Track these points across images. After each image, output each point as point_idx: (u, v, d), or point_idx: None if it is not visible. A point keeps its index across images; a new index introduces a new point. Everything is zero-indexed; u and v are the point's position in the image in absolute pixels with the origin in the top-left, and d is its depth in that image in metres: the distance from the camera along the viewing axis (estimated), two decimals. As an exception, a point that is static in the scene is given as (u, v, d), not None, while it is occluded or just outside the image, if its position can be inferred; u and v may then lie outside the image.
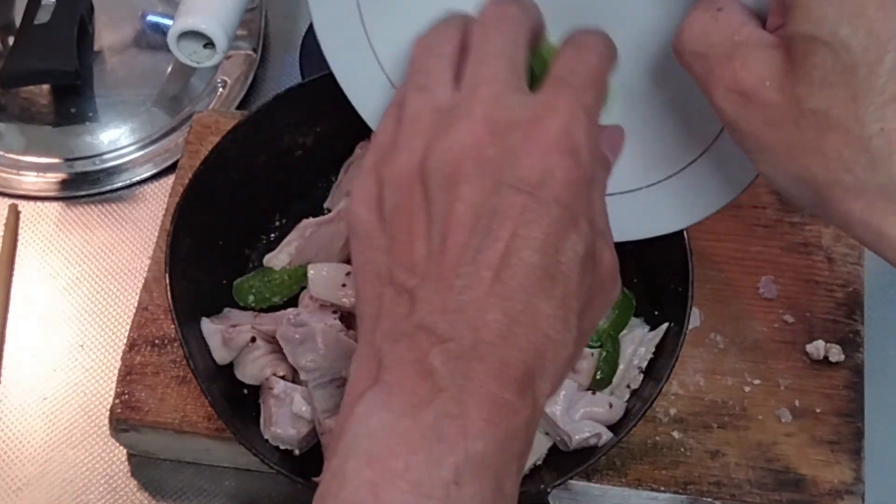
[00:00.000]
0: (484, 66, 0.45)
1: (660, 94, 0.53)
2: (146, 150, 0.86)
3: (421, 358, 0.42)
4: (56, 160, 0.86)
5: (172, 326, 0.66)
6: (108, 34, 0.92)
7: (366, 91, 0.55)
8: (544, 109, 0.44)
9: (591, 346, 0.67)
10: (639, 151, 0.54)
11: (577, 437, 0.63)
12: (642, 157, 0.55)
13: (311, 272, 0.67)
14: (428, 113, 0.45)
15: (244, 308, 0.70)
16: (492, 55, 0.46)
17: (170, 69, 0.90)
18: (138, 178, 0.85)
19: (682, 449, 0.68)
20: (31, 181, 0.85)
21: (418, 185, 0.44)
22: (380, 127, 0.47)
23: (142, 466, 0.73)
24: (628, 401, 0.66)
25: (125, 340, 0.72)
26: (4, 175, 0.85)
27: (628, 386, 0.67)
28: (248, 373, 0.67)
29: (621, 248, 0.70)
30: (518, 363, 0.42)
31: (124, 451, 0.73)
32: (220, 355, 0.66)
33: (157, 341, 0.72)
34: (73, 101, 0.88)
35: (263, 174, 0.73)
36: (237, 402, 0.66)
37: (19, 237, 0.83)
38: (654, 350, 0.67)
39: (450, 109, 0.45)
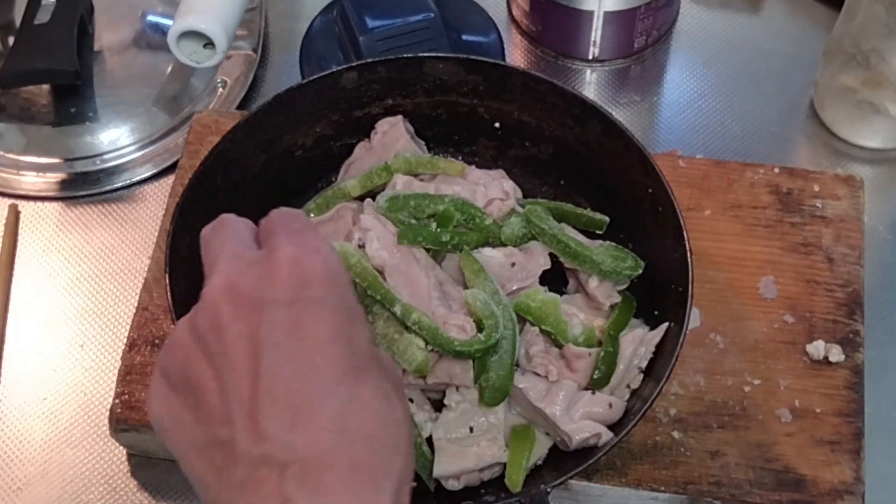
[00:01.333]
0: (209, 254, 0.48)
1: None
2: (146, 150, 0.86)
3: (273, 493, 0.41)
4: (56, 160, 0.86)
5: (172, 326, 0.66)
6: (108, 34, 0.92)
7: None
8: (273, 247, 0.46)
9: (589, 346, 0.67)
10: None
11: (577, 437, 0.63)
12: None
13: (310, 272, 0.67)
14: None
15: (244, 308, 0.70)
16: (217, 246, 0.48)
17: (170, 69, 0.90)
18: (138, 178, 0.85)
19: (682, 449, 0.68)
20: (31, 181, 0.85)
21: (193, 348, 0.45)
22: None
23: (141, 466, 0.73)
24: (628, 401, 0.66)
25: (125, 340, 0.72)
26: (4, 175, 0.85)
27: (628, 386, 0.67)
28: (247, 373, 0.67)
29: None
30: (364, 456, 0.42)
31: (124, 451, 0.73)
32: (220, 355, 0.66)
33: (157, 341, 0.72)
34: (73, 101, 0.88)
35: (263, 174, 0.73)
36: (237, 402, 0.66)
37: (19, 237, 0.83)
38: (654, 350, 0.66)
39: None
